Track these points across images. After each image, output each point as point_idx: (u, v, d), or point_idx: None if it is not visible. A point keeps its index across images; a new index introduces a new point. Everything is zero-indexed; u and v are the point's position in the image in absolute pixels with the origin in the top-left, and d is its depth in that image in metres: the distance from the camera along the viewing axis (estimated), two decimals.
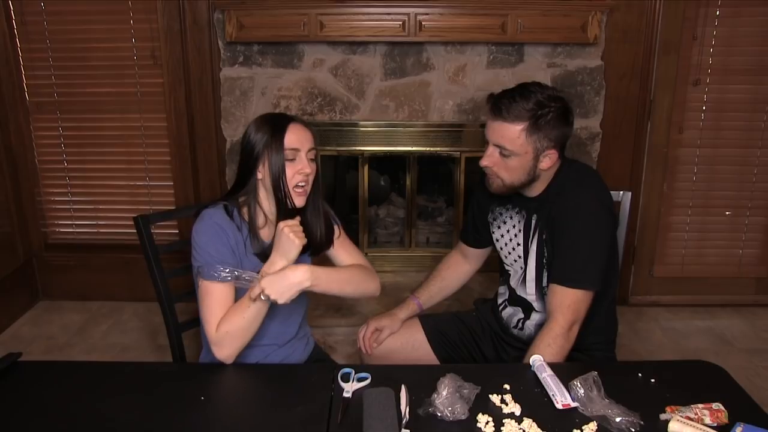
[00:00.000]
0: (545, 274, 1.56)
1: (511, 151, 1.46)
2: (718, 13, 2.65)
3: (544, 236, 1.54)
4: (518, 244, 1.62)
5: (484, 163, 1.52)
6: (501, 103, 1.45)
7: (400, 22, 2.55)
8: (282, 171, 1.42)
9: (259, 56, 2.70)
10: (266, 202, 1.49)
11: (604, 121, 2.78)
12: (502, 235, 1.68)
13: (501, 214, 1.67)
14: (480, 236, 1.78)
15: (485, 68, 2.71)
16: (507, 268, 1.70)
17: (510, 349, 1.70)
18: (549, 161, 1.50)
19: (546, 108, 1.44)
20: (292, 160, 1.43)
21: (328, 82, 2.73)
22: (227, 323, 1.37)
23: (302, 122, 1.47)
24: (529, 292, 1.61)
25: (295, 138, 1.43)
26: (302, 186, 1.45)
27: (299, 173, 1.43)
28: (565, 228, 1.49)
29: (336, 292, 1.47)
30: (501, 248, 1.70)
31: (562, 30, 2.57)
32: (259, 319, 1.38)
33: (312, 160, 1.46)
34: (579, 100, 2.73)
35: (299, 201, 1.46)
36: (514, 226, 1.63)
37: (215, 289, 1.39)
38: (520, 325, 1.66)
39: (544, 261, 1.55)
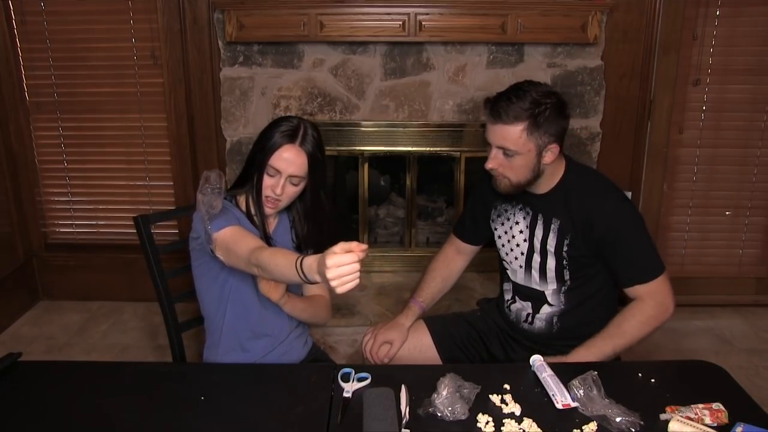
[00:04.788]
0: (566, 272, 1.58)
1: (515, 150, 1.49)
2: (718, 13, 2.65)
3: (567, 240, 1.56)
4: (524, 240, 1.64)
5: (489, 165, 1.55)
6: (498, 107, 1.48)
7: (400, 22, 2.54)
8: (260, 178, 1.46)
9: (259, 56, 2.69)
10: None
11: (604, 121, 2.77)
12: (505, 232, 1.69)
13: (505, 210, 1.69)
14: (478, 232, 1.79)
15: (485, 68, 2.71)
16: (506, 265, 1.72)
17: (518, 347, 1.71)
18: (551, 155, 1.52)
19: (542, 105, 1.47)
20: (272, 175, 1.46)
21: (328, 82, 2.73)
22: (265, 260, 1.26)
23: (306, 147, 1.46)
24: (550, 287, 1.62)
25: (282, 161, 1.44)
26: (272, 199, 1.47)
27: (271, 189, 1.46)
28: (616, 233, 1.52)
29: (291, 314, 1.57)
30: (503, 245, 1.71)
31: (562, 30, 2.57)
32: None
33: (294, 185, 1.48)
34: (579, 100, 2.73)
35: (267, 209, 1.50)
36: (517, 223, 1.65)
37: (236, 230, 1.38)
38: (529, 319, 1.68)
39: (565, 263, 1.58)
